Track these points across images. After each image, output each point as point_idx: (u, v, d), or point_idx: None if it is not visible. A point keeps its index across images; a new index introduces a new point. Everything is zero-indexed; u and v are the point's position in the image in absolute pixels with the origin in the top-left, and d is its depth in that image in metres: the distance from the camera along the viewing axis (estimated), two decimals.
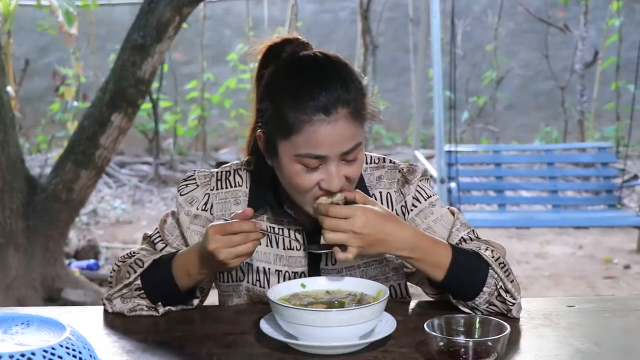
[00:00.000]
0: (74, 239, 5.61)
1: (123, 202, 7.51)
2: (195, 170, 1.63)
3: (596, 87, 8.79)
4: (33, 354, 0.96)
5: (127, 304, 1.51)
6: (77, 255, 5.42)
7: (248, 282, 1.58)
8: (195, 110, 9.27)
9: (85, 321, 1.48)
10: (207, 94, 9.24)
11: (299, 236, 1.56)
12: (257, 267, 1.56)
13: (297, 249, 1.56)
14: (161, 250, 1.59)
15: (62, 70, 7.10)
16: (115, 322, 1.50)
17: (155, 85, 7.60)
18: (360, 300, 1.37)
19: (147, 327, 1.46)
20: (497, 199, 5.41)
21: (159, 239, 1.61)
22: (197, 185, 1.60)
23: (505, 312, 1.46)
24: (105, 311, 1.54)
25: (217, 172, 1.61)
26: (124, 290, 1.51)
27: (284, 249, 1.56)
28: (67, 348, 1.00)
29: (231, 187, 1.59)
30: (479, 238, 1.57)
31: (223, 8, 10.06)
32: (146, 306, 1.51)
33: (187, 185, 1.61)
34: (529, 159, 6.67)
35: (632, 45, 6.54)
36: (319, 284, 1.43)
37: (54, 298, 4.36)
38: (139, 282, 1.50)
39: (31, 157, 8.24)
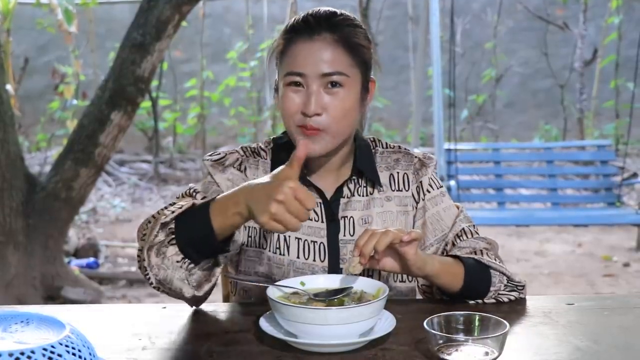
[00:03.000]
0: (74, 237, 5.61)
1: (122, 201, 7.52)
2: (218, 149, 1.71)
3: (595, 85, 8.79)
4: (33, 352, 0.96)
5: (159, 259, 1.38)
6: (77, 253, 5.42)
7: (269, 250, 1.60)
8: (194, 108, 9.28)
9: (84, 319, 1.47)
10: (207, 92, 9.24)
11: (317, 209, 1.60)
12: (278, 236, 1.59)
13: (315, 220, 1.60)
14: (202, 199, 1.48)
15: (61, 68, 7.10)
16: (115, 320, 1.50)
17: (154, 83, 7.61)
18: (359, 299, 1.37)
19: (146, 325, 1.46)
20: (497, 197, 5.41)
21: (197, 192, 1.54)
22: (225, 155, 1.64)
23: (516, 297, 1.56)
24: (103, 307, 1.54)
25: (241, 147, 1.67)
26: (160, 236, 1.38)
27: None
28: (67, 346, 1.00)
29: (258, 157, 1.65)
30: (477, 233, 1.64)
31: (223, 6, 10.06)
32: (176, 260, 1.37)
33: (213, 156, 1.64)
34: (528, 157, 6.68)
35: (632, 43, 6.54)
36: (319, 282, 1.43)
37: (53, 296, 4.37)
38: (173, 225, 1.38)
39: (31, 156, 8.25)
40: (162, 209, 1.43)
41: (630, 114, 5.67)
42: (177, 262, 1.37)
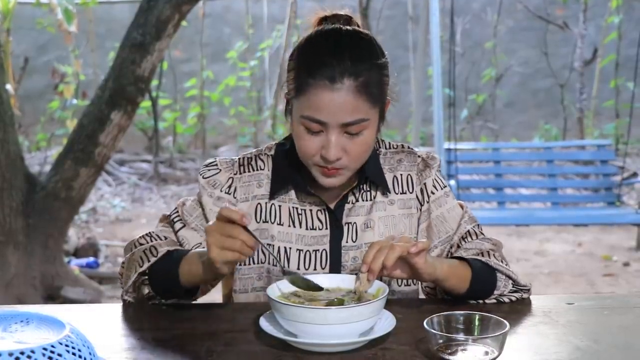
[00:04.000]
0: (74, 237, 5.61)
1: (122, 200, 7.52)
2: (216, 157, 1.67)
3: (595, 85, 8.79)
4: (33, 351, 0.96)
5: (136, 292, 1.55)
6: (77, 253, 5.42)
7: (269, 263, 1.59)
8: (194, 108, 9.28)
9: (84, 319, 1.47)
10: (207, 91, 9.24)
11: (321, 216, 1.59)
12: (279, 248, 1.58)
13: (319, 229, 1.59)
14: (179, 230, 1.60)
15: (61, 68, 7.10)
16: (115, 320, 1.50)
17: (154, 83, 7.61)
18: (359, 298, 1.37)
19: (146, 325, 1.46)
20: (497, 197, 5.41)
21: (177, 218, 1.62)
22: (220, 170, 1.63)
23: (518, 297, 1.57)
24: (103, 307, 1.55)
25: (239, 158, 1.65)
26: (135, 277, 1.53)
27: (307, 229, 1.59)
28: (67, 346, 1.00)
29: (254, 170, 1.62)
30: (482, 233, 1.63)
31: (222, 6, 10.05)
32: (147, 295, 1.53)
33: (209, 169, 1.63)
34: (528, 157, 6.67)
35: (632, 42, 6.54)
36: (319, 282, 1.43)
37: (53, 296, 4.37)
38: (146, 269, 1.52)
39: (31, 155, 8.24)
40: (146, 235, 1.57)
41: (630, 114, 5.67)
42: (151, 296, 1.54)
